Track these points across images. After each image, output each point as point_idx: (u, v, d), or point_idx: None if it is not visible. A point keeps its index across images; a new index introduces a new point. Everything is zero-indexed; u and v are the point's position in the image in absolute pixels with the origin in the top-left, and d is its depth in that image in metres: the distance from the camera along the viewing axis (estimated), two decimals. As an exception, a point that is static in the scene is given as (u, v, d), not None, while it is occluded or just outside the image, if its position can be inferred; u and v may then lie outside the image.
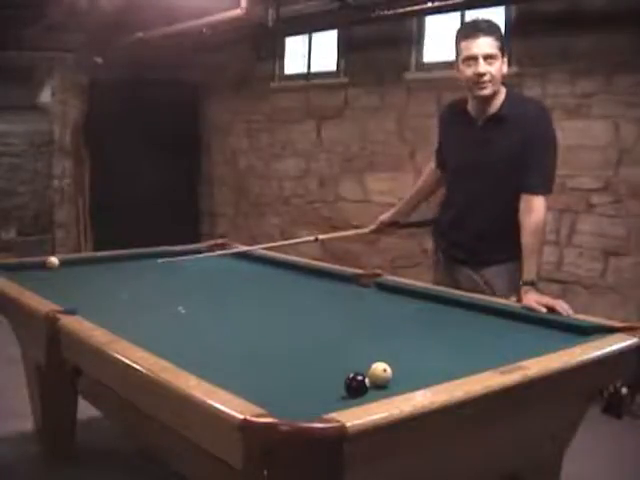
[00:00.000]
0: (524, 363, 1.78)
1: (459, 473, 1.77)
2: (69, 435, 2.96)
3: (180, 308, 2.54)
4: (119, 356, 1.91)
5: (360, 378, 1.64)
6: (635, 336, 2.05)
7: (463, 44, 2.61)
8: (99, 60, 6.51)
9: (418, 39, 5.13)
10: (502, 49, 2.60)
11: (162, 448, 2.03)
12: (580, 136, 4.12)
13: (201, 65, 6.75)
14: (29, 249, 6.25)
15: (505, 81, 2.69)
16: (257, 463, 1.40)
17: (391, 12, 4.69)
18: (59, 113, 6.76)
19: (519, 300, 2.54)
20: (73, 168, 6.84)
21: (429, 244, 3.39)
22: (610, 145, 4.05)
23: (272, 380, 1.81)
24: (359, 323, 2.44)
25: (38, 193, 6.87)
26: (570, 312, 2.35)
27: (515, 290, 2.63)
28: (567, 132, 3.80)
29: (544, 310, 2.37)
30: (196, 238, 6.10)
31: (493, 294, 2.70)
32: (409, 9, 4.64)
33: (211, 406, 1.53)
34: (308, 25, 5.68)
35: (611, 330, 2.14)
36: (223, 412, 1.49)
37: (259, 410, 1.45)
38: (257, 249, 3.66)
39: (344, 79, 5.61)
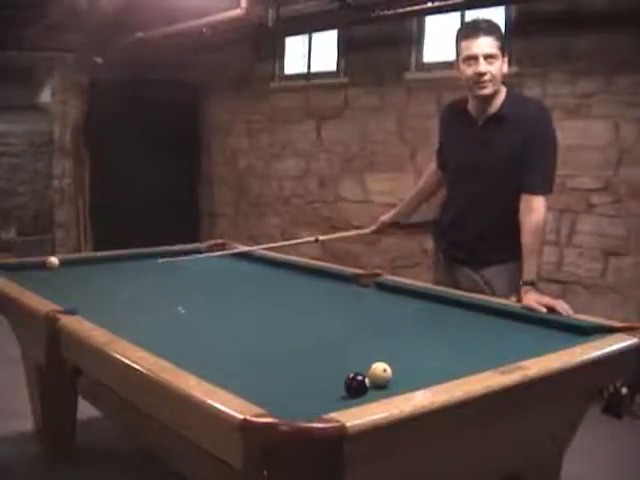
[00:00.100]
0: (524, 363, 1.78)
1: (459, 473, 1.77)
2: (69, 435, 2.96)
3: (180, 308, 2.54)
4: (119, 356, 1.91)
5: (360, 378, 1.64)
6: (635, 336, 2.05)
7: (463, 44, 2.61)
8: (99, 60, 6.51)
9: (418, 39, 5.13)
10: (502, 49, 2.61)
11: (162, 448, 2.03)
12: (580, 136, 4.12)
13: (201, 65, 6.75)
14: (29, 249, 6.25)
15: (505, 81, 2.69)
16: (257, 463, 1.40)
17: (391, 12, 4.69)
18: (59, 113, 6.76)
19: (519, 300, 2.54)
20: (73, 168, 6.84)
21: (429, 244, 3.39)
22: (610, 145, 4.05)
23: (272, 380, 1.81)
24: (359, 323, 2.44)
25: (38, 193, 6.87)
26: (570, 312, 2.35)
27: (515, 290, 2.63)
28: (567, 132, 3.80)
29: (544, 310, 2.37)
30: (196, 238, 6.10)
31: (493, 294, 2.70)
32: (409, 9, 4.64)
33: (211, 406, 1.53)
34: (308, 25, 5.68)
35: (611, 330, 2.14)
36: (223, 412, 1.49)
37: (259, 410, 1.45)
38: (257, 249, 3.66)
39: (344, 79, 5.61)
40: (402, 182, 5.18)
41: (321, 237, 3.67)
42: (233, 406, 1.49)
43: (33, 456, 3.05)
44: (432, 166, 3.07)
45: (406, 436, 1.52)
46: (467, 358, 1.94)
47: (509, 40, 4.24)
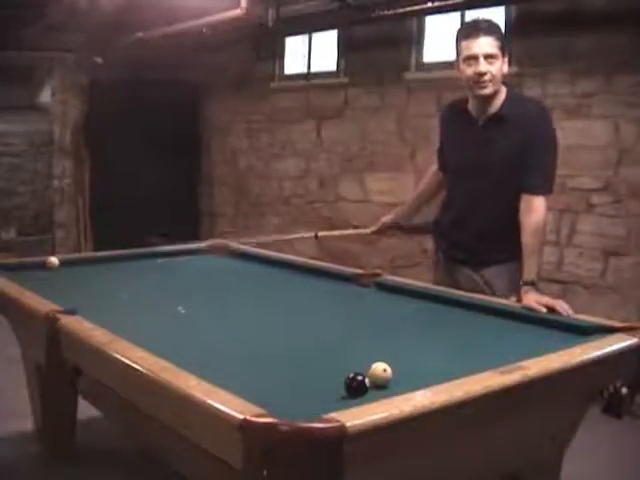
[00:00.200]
0: (524, 363, 1.78)
1: (459, 473, 1.77)
2: (69, 435, 2.96)
3: (180, 308, 2.54)
4: (119, 356, 1.91)
5: (360, 378, 1.64)
6: (635, 336, 2.05)
7: (464, 44, 2.61)
8: (99, 60, 6.51)
9: (418, 39, 5.13)
10: (502, 49, 2.60)
11: (162, 448, 2.03)
12: (580, 136, 4.12)
13: (201, 65, 6.75)
14: (29, 249, 6.25)
15: (505, 81, 2.69)
16: (257, 463, 1.40)
17: (391, 12, 4.70)
18: (59, 113, 6.76)
19: (519, 300, 2.53)
20: (73, 168, 6.84)
21: (429, 244, 3.39)
22: (610, 145, 4.05)
23: (272, 380, 1.81)
24: (359, 323, 2.44)
25: (38, 193, 6.87)
26: (570, 312, 2.35)
27: (515, 290, 2.62)
28: (567, 132, 3.80)
29: (544, 310, 2.37)
30: (196, 238, 6.10)
31: (493, 294, 2.70)
32: (409, 9, 4.64)
33: (211, 406, 1.53)
34: (308, 25, 5.69)
35: (611, 330, 2.14)
36: (223, 412, 1.49)
37: (259, 410, 1.45)
38: (255, 242, 3.65)
39: (344, 79, 5.61)
40: (402, 182, 5.19)
41: (321, 233, 3.66)
42: (233, 406, 1.49)
43: (33, 456, 3.05)
44: (433, 167, 3.07)
45: (406, 436, 1.52)
46: (467, 358, 1.94)
47: (509, 40, 4.24)
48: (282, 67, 6.28)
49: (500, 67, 2.60)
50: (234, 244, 3.77)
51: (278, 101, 6.23)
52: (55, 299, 2.44)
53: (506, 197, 2.64)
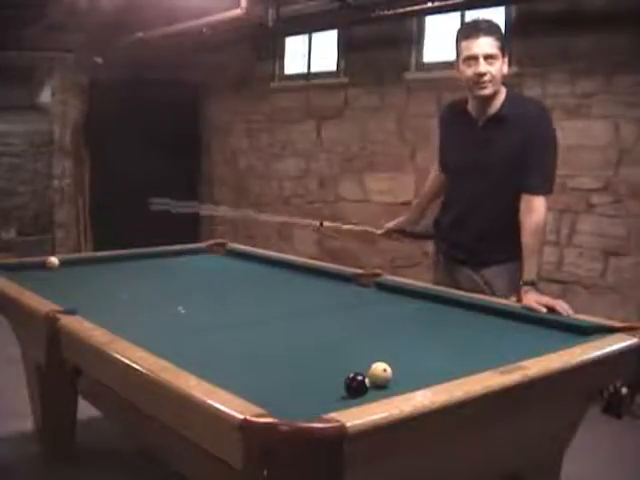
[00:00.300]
0: (524, 363, 1.78)
1: (459, 473, 1.77)
2: (69, 435, 2.96)
3: (180, 308, 2.54)
4: (119, 356, 1.91)
5: (360, 378, 1.64)
6: (635, 336, 2.05)
7: (464, 44, 2.61)
8: (99, 60, 6.51)
9: (418, 39, 5.13)
10: (502, 49, 2.60)
11: (162, 448, 2.03)
12: (580, 136, 4.12)
13: (201, 65, 6.75)
14: (29, 249, 6.25)
15: (505, 81, 2.69)
16: (257, 463, 1.40)
17: (391, 12, 4.70)
18: (59, 113, 6.76)
19: (519, 300, 2.53)
20: (73, 168, 6.84)
21: (429, 245, 3.39)
22: (610, 145, 4.05)
23: (272, 380, 1.81)
24: (359, 323, 2.44)
25: (38, 193, 6.87)
26: (570, 312, 2.35)
27: (515, 290, 2.62)
28: (567, 132, 3.80)
29: (544, 310, 2.37)
30: (196, 238, 6.10)
31: (493, 294, 2.70)
32: (409, 9, 4.64)
33: (211, 406, 1.53)
34: (308, 25, 5.69)
35: (611, 330, 2.14)
36: (223, 412, 1.49)
37: (259, 410, 1.45)
38: (260, 218, 3.63)
39: (344, 79, 5.62)
40: (402, 182, 5.19)
41: (326, 223, 3.64)
42: (233, 406, 1.49)
43: (33, 456, 3.05)
44: (435, 171, 3.05)
45: (406, 436, 1.52)
46: (467, 358, 1.94)
47: (509, 40, 4.24)
48: (282, 67, 6.28)
49: (500, 68, 2.60)
50: (233, 244, 3.77)
51: (278, 101, 6.23)
52: (55, 299, 2.44)
53: (506, 197, 2.64)
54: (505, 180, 2.65)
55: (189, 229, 6.73)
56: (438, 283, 2.90)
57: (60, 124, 6.77)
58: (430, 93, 4.87)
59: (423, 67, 5.13)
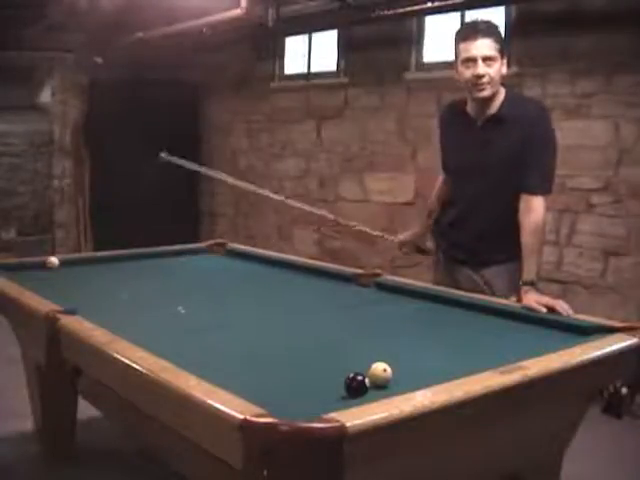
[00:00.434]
0: (524, 363, 1.78)
1: (459, 473, 1.77)
2: (69, 435, 2.96)
3: (180, 308, 2.54)
4: (119, 356, 1.91)
5: (360, 378, 1.64)
6: (635, 336, 2.05)
7: (462, 46, 2.60)
8: (99, 60, 6.51)
9: (418, 39, 5.13)
10: (501, 51, 2.60)
11: (162, 448, 2.03)
12: (580, 136, 4.12)
13: (201, 65, 6.75)
14: (29, 249, 6.25)
15: (504, 82, 2.69)
16: (257, 463, 1.40)
17: (391, 12, 4.70)
18: (59, 113, 6.76)
19: (519, 300, 2.54)
20: (73, 168, 6.84)
21: (429, 246, 3.38)
22: (610, 145, 4.05)
23: (272, 380, 1.81)
24: (359, 323, 2.44)
25: (38, 193, 6.87)
26: (570, 312, 2.35)
27: (515, 290, 2.63)
28: (567, 132, 3.80)
29: (544, 310, 2.37)
30: (196, 238, 6.10)
31: (493, 294, 2.70)
32: (409, 9, 4.64)
33: (211, 406, 1.53)
34: (308, 25, 5.69)
35: (611, 330, 2.14)
36: (223, 412, 1.49)
37: (259, 410, 1.45)
38: (284, 199, 3.65)
39: (344, 79, 5.62)
40: (402, 182, 5.19)
41: (341, 220, 3.62)
42: (233, 406, 1.49)
43: (33, 456, 3.05)
44: (441, 178, 3.01)
45: (406, 436, 1.52)
46: (467, 358, 1.94)
47: (509, 40, 4.25)
48: (282, 67, 6.28)
49: (498, 69, 2.59)
50: (233, 244, 3.77)
51: (278, 101, 6.23)
52: (55, 299, 2.44)
53: (506, 197, 2.64)
54: (504, 180, 2.65)
55: (189, 229, 6.74)
56: (438, 283, 2.90)
57: (60, 124, 6.77)
58: (430, 93, 4.87)
59: (423, 67, 5.13)
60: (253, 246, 4.10)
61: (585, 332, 2.16)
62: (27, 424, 3.16)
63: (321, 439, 1.38)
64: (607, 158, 4.06)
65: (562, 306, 2.36)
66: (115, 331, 2.08)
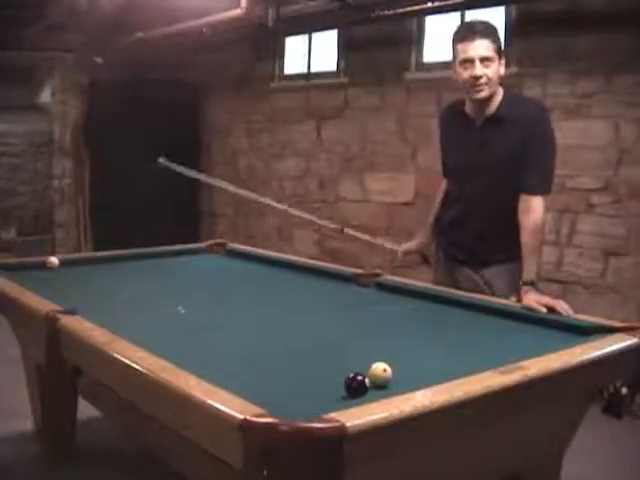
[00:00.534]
0: (524, 363, 1.78)
1: (459, 473, 1.77)
2: (69, 435, 2.96)
3: (180, 308, 2.54)
4: (119, 356, 1.91)
5: (360, 378, 1.64)
6: (635, 336, 2.05)
7: (459, 46, 2.60)
8: (99, 60, 6.51)
9: (418, 39, 5.14)
10: (499, 51, 2.59)
11: (162, 448, 2.03)
12: (580, 136, 4.12)
13: (201, 65, 6.75)
14: (29, 249, 6.25)
15: (504, 82, 2.69)
16: (257, 463, 1.40)
17: (391, 12, 4.70)
18: (59, 113, 6.76)
19: (519, 300, 2.54)
20: (73, 168, 6.84)
21: (429, 247, 3.38)
22: (610, 145, 4.05)
23: (272, 380, 1.81)
24: (359, 323, 2.44)
25: (38, 193, 6.87)
26: (570, 312, 2.35)
27: (515, 290, 2.63)
28: (567, 132, 3.80)
29: (544, 310, 2.37)
30: (196, 238, 6.10)
31: (493, 294, 2.70)
32: (409, 9, 4.65)
33: (211, 406, 1.53)
34: (308, 25, 5.69)
35: (611, 330, 2.14)
36: (223, 412, 1.49)
37: (259, 410, 1.45)
38: (277, 207, 3.65)
39: (344, 79, 5.62)
40: (402, 182, 5.19)
41: (347, 230, 3.62)
42: (233, 406, 1.49)
43: (33, 456, 3.05)
44: (443, 184, 2.99)
45: (406, 436, 1.52)
46: (467, 358, 1.94)
47: (509, 40, 4.26)
48: (282, 67, 6.28)
49: (496, 69, 2.59)
50: (234, 244, 3.77)
51: (278, 101, 6.23)
52: (55, 299, 2.44)
53: (505, 197, 2.64)
54: (504, 180, 2.65)
55: (189, 229, 6.74)
56: (438, 283, 2.90)
57: (60, 124, 6.77)
58: (430, 93, 4.87)
59: (423, 67, 5.13)
60: (253, 246, 4.09)
61: (585, 332, 2.16)
62: (27, 424, 3.16)
63: (321, 439, 1.38)
64: (607, 158, 4.06)
65: (562, 306, 2.36)
66: (115, 331, 2.08)
